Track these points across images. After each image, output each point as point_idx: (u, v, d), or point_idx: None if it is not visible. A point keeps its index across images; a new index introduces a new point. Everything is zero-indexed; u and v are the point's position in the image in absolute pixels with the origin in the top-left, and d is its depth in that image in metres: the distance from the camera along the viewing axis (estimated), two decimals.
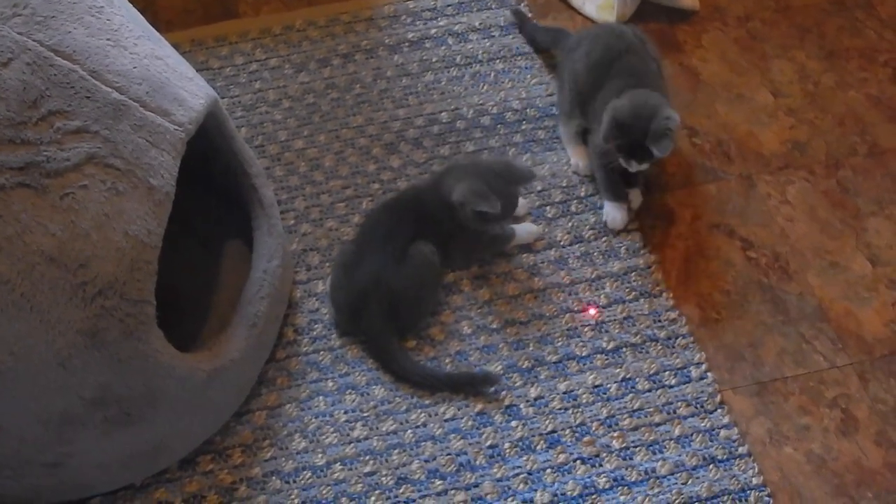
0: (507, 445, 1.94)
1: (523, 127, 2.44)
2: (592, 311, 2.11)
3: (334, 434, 1.96)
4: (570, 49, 2.38)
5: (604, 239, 2.23)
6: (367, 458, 1.93)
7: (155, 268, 1.66)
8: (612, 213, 2.24)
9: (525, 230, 2.20)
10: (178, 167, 1.73)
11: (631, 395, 2.01)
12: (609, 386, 2.02)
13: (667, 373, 2.04)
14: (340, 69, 2.56)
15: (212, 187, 2.11)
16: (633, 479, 1.90)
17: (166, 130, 1.72)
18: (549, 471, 1.91)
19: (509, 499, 1.88)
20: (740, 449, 1.93)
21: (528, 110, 2.47)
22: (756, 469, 1.91)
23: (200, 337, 1.97)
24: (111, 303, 1.61)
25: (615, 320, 2.10)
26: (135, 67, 1.73)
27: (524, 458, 1.93)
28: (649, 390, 2.01)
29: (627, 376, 2.03)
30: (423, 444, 1.95)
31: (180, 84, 1.81)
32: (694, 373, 2.04)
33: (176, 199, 1.73)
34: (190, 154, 1.80)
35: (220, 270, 2.08)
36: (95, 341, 1.61)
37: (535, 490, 1.89)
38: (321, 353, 2.07)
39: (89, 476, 1.81)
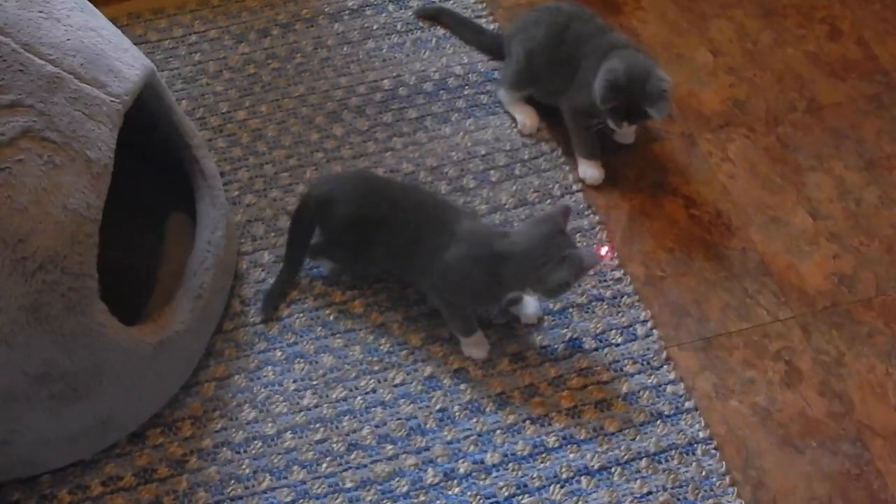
0: (456, 408, 1.96)
1: (466, 92, 2.44)
2: (604, 251, 2.09)
3: (284, 403, 1.96)
4: (518, 30, 2.38)
5: (548, 201, 2.24)
6: (318, 425, 1.94)
7: (96, 241, 1.65)
8: (590, 171, 2.28)
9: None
10: (116, 139, 1.72)
11: (578, 354, 2.02)
12: (556, 346, 2.03)
13: (613, 331, 2.05)
14: (281, 39, 2.55)
15: (154, 160, 2.10)
16: (582, 437, 1.92)
17: (102, 102, 1.71)
18: (498, 432, 1.93)
19: (460, 460, 1.89)
20: (686, 404, 1.96)
21: (470, 75, 2.47)
22: (702, 423, 1.93)
23: (146, 309, 1.96)
24: (52, 277, 1.59)
25: None
26: (68, 39, 1.71)
27: (474, 420, 1.94)
28: (596, 349, 2.03)
29: (574, 336, 2.05)
30: (372, 409, 1.95)
31: (115, 55, 1.79)
32: (640, 330, 2.06)
33: (117, 172, 1.72)
34: (130, 127, 1.79)
35: (164, 243, 2.06)
36: (38, 317, 1.60)
37: (486, 451, 1.90)
38: (268, 323, 2.06)
39: (38, 453, 1.80)
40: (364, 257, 2.06)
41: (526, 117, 2.36)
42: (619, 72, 2.14)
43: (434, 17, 2.59)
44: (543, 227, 1.90)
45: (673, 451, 1.90)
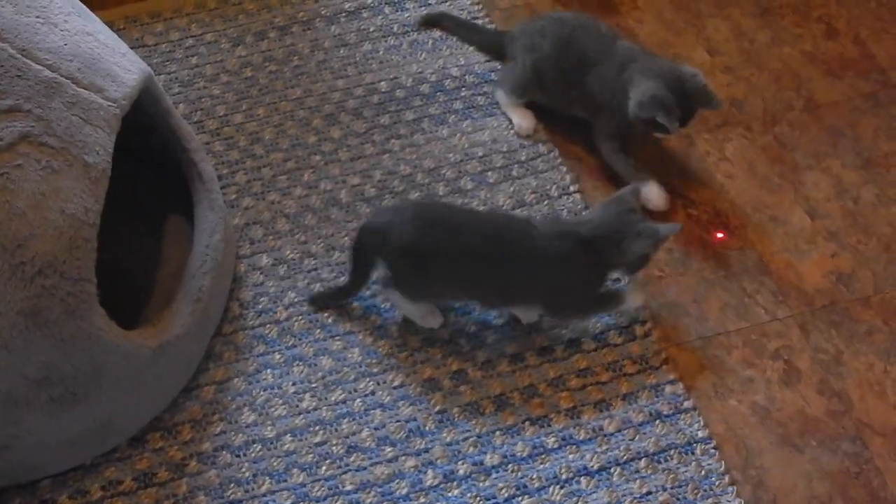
0: (455, 410, 1.96)
1: (463, 94, 2.44)
2: (720, 235, 2.16)
3: (283, 406, 1.96)
4: (523, 37, 2.37)
5: (545, 202, 2.24)
6: (317, 428, 1.94)
7: (94, 245, 1.65)
8: (655, 190, 2.22)
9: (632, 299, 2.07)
10: (114, 143, 1.72)
11: (577, 355, 2.02)
12: (555, 347, 2.03)
13: (612, 332, 2.06)
14: (277, 42, 2.55)
15: (151, 164, 2.10)
16: (581, 438, 1.92)
17: (100, 107, 1.71)
18: (498, 433, 1.93)
19: (459, 462, 1.89)
20: (686, 403, 1.96)
21: (466, 77, 2.48)
22: (701, 422, 1.93)
23: (145, 313, 1.96)
24: (51, 282, 1.60)
25: None
26: (65, 44, 1.71)
27: (473, 421, 1.94)
28: (595, 349, 2.03)
29: (573, 337, 2.05)
30: (372, 412, 1.95)
31: (113, 60, 1.80)
32: (638, 331, 2.06)
33: (115, 176, 1.72)
34: (128, 131, 1.79)
35: (162, 246, 2.07)
36: (37, 321, 1.60)
37: (485, 452, 1.90)
38: (267, 326, 2.06)
39: (38, 457, 1.80)
40: (433, 288, 2.00)
41: (522, 119, 2.36)
42: (661, 92, 2.12)
43: (436, 22, 2.59)
44: (615, 205, 1.96)
45: (672, 451, 1.90)
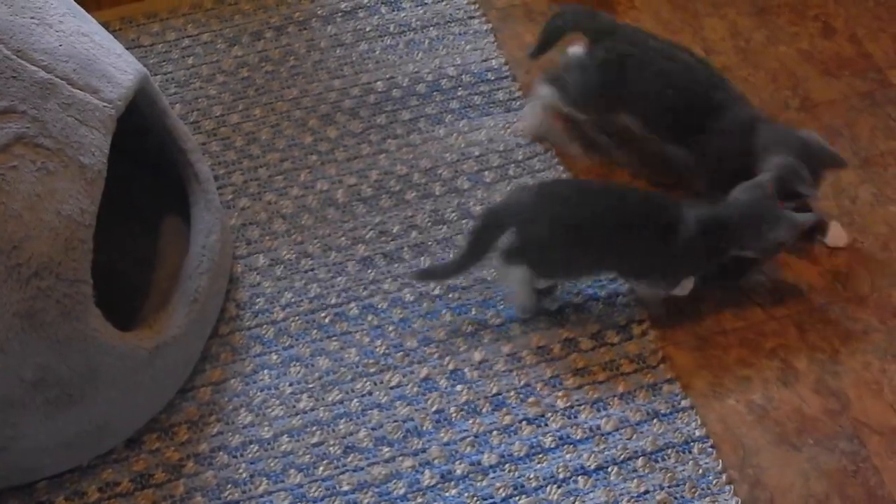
0: (452, 410, 1.96)
1: (459, 93, 2.44)
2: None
3: (280, 407, 1.96)
4: (632, 68, 2.19)
5: None
6: (314, 428, 1.94)
7: (90, 247, 1.65)
8: (838, 229, 2.20)
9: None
10: (110, 144, 1.72)
11: (575, 354, 2.02)
12: (552, 346, 2.03)
13: (609, 331, 2.05)
14: (274, 42, 2.55)
15: (147, 164, 2.10)
16: (578, 437, 1.92)
17: (95, 108, 1.71)
18: (495, 433, 1.93)
19: (457, 462, 1.89)
20: (683, 402, 1.96)
21: (463, 76, 2.47)
22: (699, 421, 1.93)
23: (141, 314, 1.96)
24: (47, 283, 1.60)
25: None
26: (61, 45, 1.71)
27: (470, 421, 1.94)
28: (592, 349, 2.03)
29: (570, 336, 2.05)
30: (369, 412, 1.95)
31: (108, 60, 1.80)
32: (636, 330, 2.06)
33: (110, 177, 1.72)
34: (123, 131, 1.79)
35: (158, 247, 2.07)
36: (33, 323, 1.60)
37: (483, 452, 1.90)
38: (264, 326, 2.06)
39: (34, 459, 1.80)
40: (570, 263, 2.03)
41: (533, 120, 2.33)
42: (797, 165, 2.05)
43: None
44: (753, 191, 2.00)
45: (669, 450, 1.90)
